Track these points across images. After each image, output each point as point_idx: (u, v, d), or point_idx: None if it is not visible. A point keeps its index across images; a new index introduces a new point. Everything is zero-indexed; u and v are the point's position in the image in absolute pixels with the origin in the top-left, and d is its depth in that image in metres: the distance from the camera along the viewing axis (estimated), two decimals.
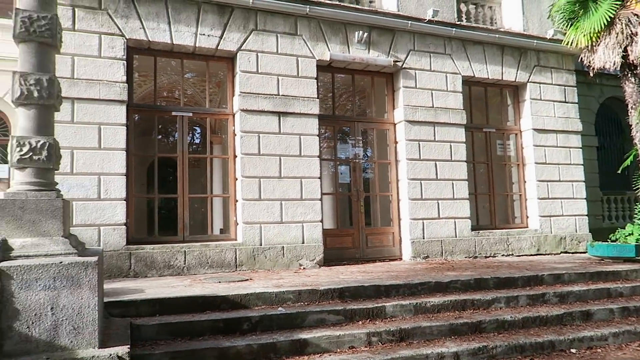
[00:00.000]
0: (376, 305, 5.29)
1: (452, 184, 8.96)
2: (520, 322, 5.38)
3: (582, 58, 9.71)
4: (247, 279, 6.29)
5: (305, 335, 4.58)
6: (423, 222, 8.64)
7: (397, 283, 5.85)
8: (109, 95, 6.90)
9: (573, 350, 5.07)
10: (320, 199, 7.98)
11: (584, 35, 9.24)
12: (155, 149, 7.78)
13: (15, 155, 3.87)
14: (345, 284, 5.72)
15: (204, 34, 7.56)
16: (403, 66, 8.86)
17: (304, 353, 4.46)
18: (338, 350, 4.58)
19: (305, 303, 5.33)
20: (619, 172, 10.30)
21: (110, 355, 3.53)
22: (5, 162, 9.15)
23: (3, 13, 10.19)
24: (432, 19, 8.93)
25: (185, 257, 7.01)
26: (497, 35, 9.52)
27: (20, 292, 3.44)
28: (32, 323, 3.45)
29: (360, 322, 5.05)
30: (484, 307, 5.69)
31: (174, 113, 7.66)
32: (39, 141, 3.92)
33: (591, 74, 9.82)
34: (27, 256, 3.62)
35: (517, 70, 9.84)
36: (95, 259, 3.71)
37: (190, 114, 7.75)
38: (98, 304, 3.68)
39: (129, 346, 3.70)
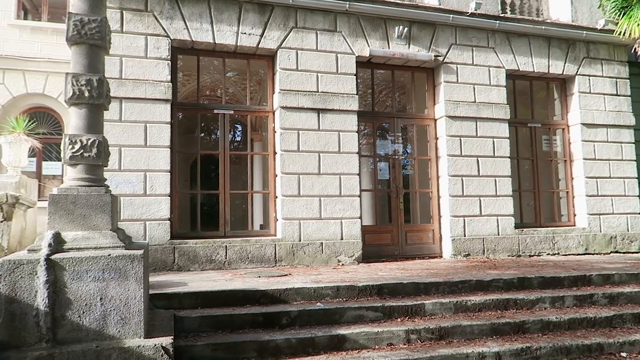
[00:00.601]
0: (415, 302, 5.24)
1: (495, 180, 8.74)
2: (566, 324, 5.22)
3: (635, 48, 9.30)
4: (286, 274, 6.37)
5: (343, 331, 4.60)
6: (464, 220, 8.48)
7: (437, 281, 5.78)
8: (155, 95, 7.13)
9: (623, 354, 4.87)
10: (359, 196, 7.97)
11: (638, 25, 8.81)
12: (198, 146, 7.97)
13: (68, 153, 4.07)
14: (383, 281, 5.71)
15: (245, 33, 7.68)
16: (444, 61, 8.70)
17: (342, 349, 4.49)
18: (376, 347, 4.58)
19: (344, 299, 5.35)
20: None
21: (155, 345, 3.66)
22: (60, 159, 9.60)
23: (57, 18, 10.70)
24: (475, 11, 8.73)
25: (226, 252, 7.17)
26: (543, 27, 9.19)
27: (72, 283, 3.63)
28: (83, 312, 3.63)
29: (398, 320, 5.03)
30: (528, 307, 5.55)
31: (215, 111, 7.83)
32: (89, 139, 4.11)
33: None
34: (78, 249, 3.81)
35: (565, 63, 9.48)
36: (141, 252, 3.86)
37: (232, 112, 7.90)
38: (144, 296, 3.83)
39: (172, 337, 3.84)
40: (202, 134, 15.39)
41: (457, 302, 5.35)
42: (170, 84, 7.24)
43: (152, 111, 7.12)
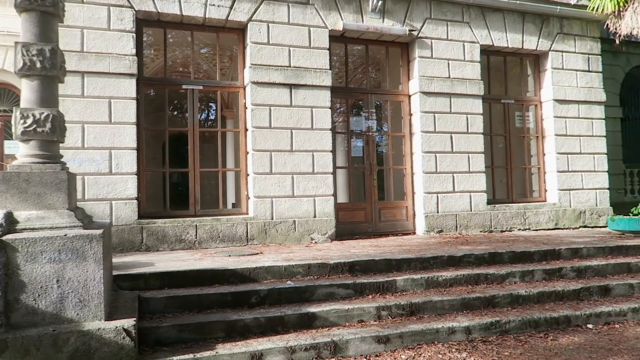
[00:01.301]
0: (387, 279, 5.22)
1: (468, 157, 8.74)
2: (535, 297, 5.28)
3: (608, 24, 9.30)
4: (258, 253, 6.27)
5: (313, 309, 4.54)
6: (437, 196, 8.48)
7: (409, 257, 5.76)
8: (119, 69, 6.83)
9: (590, 326, 4.95)
10: (333, 173, 7.87)
11: (611, 0, 8.81)
12: (166, 123, 7.71)
13: (19, 128, 3.84)
14: (355, 258, 5.66)
15: (213, 4, 7.38)
16: (419, 35, 8.57)
17: (312, 327, 4.44)
18: (347, 324, 4.54)
19: (315, 277, 5.29)
20: None
21: (116, 327, 3.53)
22: None
23: None
24: None
25: (196, 231, 7.02)
26: (518, 1, 9.10)
27: (26, 265, 3.45)
28: (39, 296, 3.46)
29: (370, 296, 5.00)
30: (498, 282, 5.59)
31: (184, 86, 7.55)
32: (42, 113, 3.88)
33: (617, 42, 9.42)
34: (32, 229, 3.62)
35: (539, 39, 9.45)
36: (100, 231, 3.69)
37: (201, 87, 7.64)
38: (104, 277, 3.68)
39: (135, 319, 3.71)
40: (175, 112, 14.99)
41: (428, 277, 5.35)
42: (135, 57, 6.93)
43: (117, 86, 6.83)
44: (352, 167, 8.88)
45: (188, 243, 6.97)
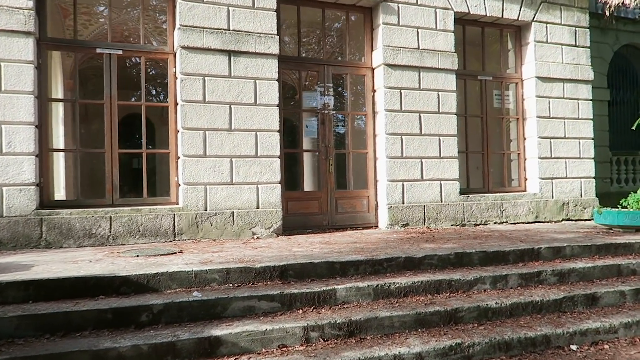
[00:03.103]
0: (325, 288, 4.16)
1: (439, 140, 7.68)
2: (507, 310, 4.29)
3: None
4: (176, 252, 5.14)
5: (219, 331, 3.46)
6: (403, 184, 7.42)
7: (358, 259, 4.70)
8: (10, 25, 5.56)
9: (573, 347, 3.99)
10: (280, 157, 6.75)
11: None
12: (76, 94, 6.46)
13: None
14: (291, 260, 4.58)
15: None
16: None
17: (215, 355, 3.37)
18: (263, 350, 3.48)
19: (235, 285, 4.20)
20: (633, 129, 9.00)
21: None
22: None
23: None
24: None
25: (110, 224, 5.85)
26: None
27: None
28: None
29: (300, 311, 3.93)
30: (464, 290, 4.57)
31: (98, 50, 6.28)
32: None
33: (607, 14, 8.44)
34: None
35: (521, 7, 8.37)
36: None
37: (120, 52, 6.38)
38: None
39: None
40: (98, 81, 13.44)
41: (378, 285, 4.30)
42: (32, 12, 5.67)
43: (8, 47, 5.57)
44: (302, 149, 7.74)
45: (100, 239, 5.81)
